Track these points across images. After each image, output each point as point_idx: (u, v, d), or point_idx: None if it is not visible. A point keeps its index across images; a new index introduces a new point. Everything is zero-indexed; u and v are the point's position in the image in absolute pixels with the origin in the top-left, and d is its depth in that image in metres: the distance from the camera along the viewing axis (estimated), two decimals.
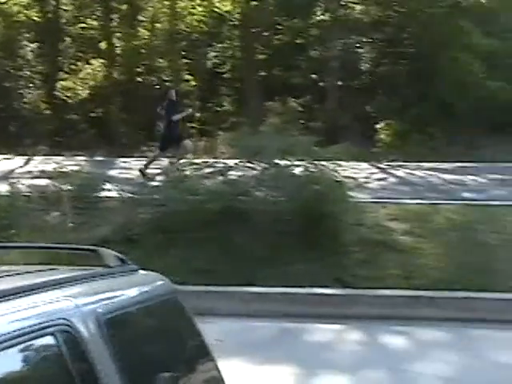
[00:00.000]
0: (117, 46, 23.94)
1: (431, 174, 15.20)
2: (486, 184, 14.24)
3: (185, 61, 23.66)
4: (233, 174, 11.41)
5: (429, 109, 18.95)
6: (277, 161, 11.20)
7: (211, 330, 6.44)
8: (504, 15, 20.72)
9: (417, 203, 12.23)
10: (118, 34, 24.17)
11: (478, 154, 16.70)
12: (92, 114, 22.56)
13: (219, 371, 3.75)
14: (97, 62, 23.48)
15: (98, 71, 23.37)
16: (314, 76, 23.04)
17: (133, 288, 3.52)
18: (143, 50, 23.85)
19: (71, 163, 13.98)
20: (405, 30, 21.40)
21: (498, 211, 11.38)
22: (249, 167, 11.39)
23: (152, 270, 3.73)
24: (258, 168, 11.22)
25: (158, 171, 13.22)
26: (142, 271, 3.65)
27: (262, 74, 23.55)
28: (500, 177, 14.54)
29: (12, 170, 15.39)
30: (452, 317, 8.36)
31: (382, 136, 19.10)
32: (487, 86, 18.38)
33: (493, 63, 19.18)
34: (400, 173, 15.79)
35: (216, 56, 24.38)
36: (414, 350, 7.93)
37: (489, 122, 18.13)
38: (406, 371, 7.25)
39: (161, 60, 23.96)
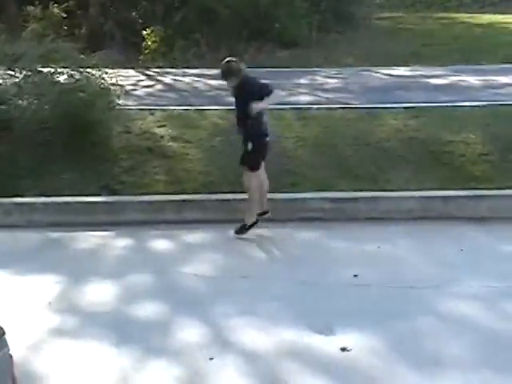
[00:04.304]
0: None
1: (197, 80, 15.33)
2: None
3: None
4: None
5: (192, 14, 18.92)
6: (40, 68, 10.84)
7: None
8: None
9: (184, 109, 12.33)
10: None
11: (240, 59, 16.91)
12: None
13: None
14: None
15: None
16: None
17: None
18: None
19: None
20: None
21: None
22: (9, 75, 10.94)
23: None
24: (20, 76, 10.81)
25: None
26: None
27: None
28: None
29: None
30: (216, 218, 8.63)
31: (149, 43, 18.89)
32: None
33: None
34: (167, 80, 15.78)
35: None
36: (179, 252, 8.09)
37: (249, 27, 18.41)
38: (170, 272, 7.43)
39: None
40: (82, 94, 10.41)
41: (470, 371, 5.62)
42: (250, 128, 7.97)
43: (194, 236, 8.47)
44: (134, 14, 20.92)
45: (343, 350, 5.89)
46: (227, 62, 8.05)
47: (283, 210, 8.82)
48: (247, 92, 7.93)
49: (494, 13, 24.63)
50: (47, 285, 7.15)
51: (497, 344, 6.00)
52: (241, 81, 7.97)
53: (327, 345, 5.97)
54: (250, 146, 7.97)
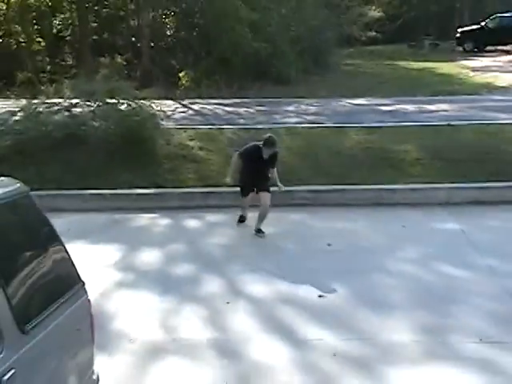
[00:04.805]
0: None
1: (217, 108, 15.21)
2: (254, 113, 14.46)
3: (36, 27, 22.11)
4: (75, 111, 10.95)
5: (213, 62, 18.88)
6: (107, 100, 10.84)
7: (62, 222, 6.27)
8: None
9: (208, 128, 12.25)
10: None
11: (247, 93, 16.88)
12: None
13: (67, 252, 3.63)
14: None
15: None
16: (132, 39, 22.34)
17: None
18: (1, 18, 21.89)
19: None
20: (196, 5, 20.94)
21: (264, 132, 11.61)
22: (87, 105, 10.99)
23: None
24: (94, 105, 10.85)
25: (18, 108, 12.17)
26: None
27: (95, 37, 22.56)
28: (263, 108, 14.84)
29: None
30: (231, 204, 8.48)
31: (183, 82, 18.85)
32: (253, 46, 18.50)
33: (256, 29, 19.26)
34: (196, 107, 15.66)
35: (59, 24, 23.06)
36: (205, 228, 8.08)
37: (254, 70, 18.31)
38: (199, 243, 7.41)
39: (16, 26, 22.06)
40: (136, 118, 10.37)
41: (410, 311, 5.61)
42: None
43: (215, 217, 8.41)
44: (172, 62, 20.90)
45: (320, 296, 5.87)
46: (274, 139, 7.72)
47: (279, 199, 8.74)
48: (272, 162, 7.77)
49: (426, 61, 24.43)
50: (112, 251, 7.13)
51: (429, 292, 5.98)
52: (271, 153, 7.69)
53: (309, 293, 5.94)
54: (270, 175, 7.82)
